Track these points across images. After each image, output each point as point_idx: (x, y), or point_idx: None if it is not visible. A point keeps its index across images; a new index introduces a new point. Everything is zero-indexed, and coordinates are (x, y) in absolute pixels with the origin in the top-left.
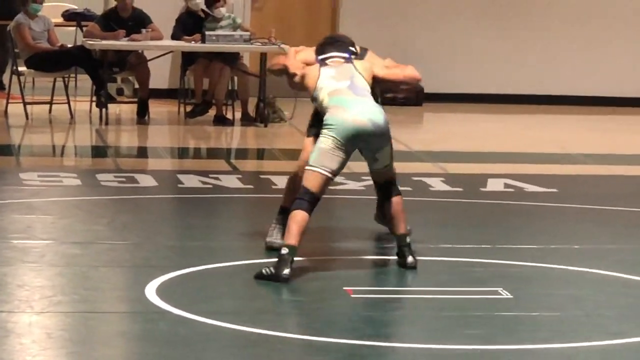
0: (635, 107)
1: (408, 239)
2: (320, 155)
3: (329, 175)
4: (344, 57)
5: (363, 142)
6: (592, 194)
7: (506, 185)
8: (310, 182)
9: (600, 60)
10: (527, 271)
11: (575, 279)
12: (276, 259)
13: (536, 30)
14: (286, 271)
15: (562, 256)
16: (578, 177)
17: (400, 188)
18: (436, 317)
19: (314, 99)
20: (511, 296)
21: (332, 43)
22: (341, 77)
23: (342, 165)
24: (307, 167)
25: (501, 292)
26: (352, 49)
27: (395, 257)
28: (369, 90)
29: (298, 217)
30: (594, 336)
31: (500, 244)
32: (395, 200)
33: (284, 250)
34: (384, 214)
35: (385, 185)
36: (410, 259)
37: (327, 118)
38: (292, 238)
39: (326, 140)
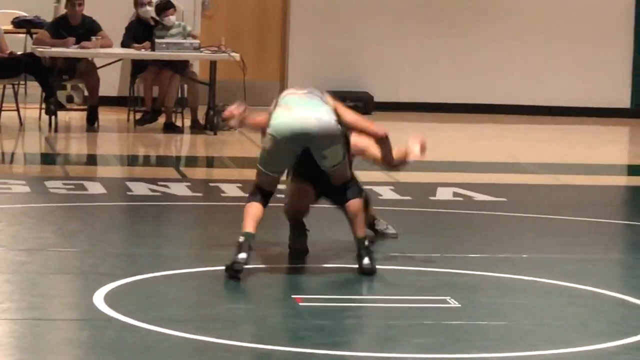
0: (584, 116)
1: (366, 242)
2: (263, 157)
3: (274, 176)
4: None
5: (307, 140)
6: (541, 203)
7: (455, 194)
8: (259, 180)
9: (549, 69)
10: (475, 280)
11: (523, 288)
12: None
13: (485, 39)
14: (241, 255)
15: (510, 265)
16: (527, 187)
17: None
18: (385, 326)
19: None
20: (459, 305)
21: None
22: (301, 90)
23: (287, 162)
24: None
25: (449, 300)
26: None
27: (350, 265)
28: (329, 108)
29: (252, 209)
30: (541, 345)
31: (448, 252)
32: (351, 203)
33: (241, 238)
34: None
35: (342, 188)
36: (365, 261)
37: (272, 117)
38: (248, 226)
39: (267, 140)
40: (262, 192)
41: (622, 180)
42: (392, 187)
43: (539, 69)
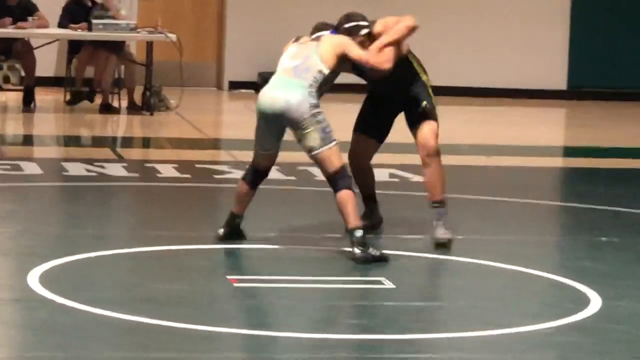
0: (521, 98)
1: (357, 234)
2: (255, 135)
3: (263, 152)
4: (320, 36)
5: (281, 120)
6: (476, 185)
7: (391, 175)
8: (253, 157)
9: (485, 51)
10: (411, 261)
11: (458, 269)
12: None
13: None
14: (220, 231)
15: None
16: (462, 168)
17: (285, 177)
18: (320, 307)
19: None
20: (394, 286)
21: (324, 25)
22: (297, 57)
23: (274, 139)
24: None
25: (384, 282)
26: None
27: (286, 246)
28: (320, 71)
29: (239, 188)
30: (476, 326)
31: (384, 234)
32: (338, 195)
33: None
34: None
35: (330, 179)
36: (356, 251)
37: None
38: (233, 206)
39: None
40: (255, 171)
41: (558, 162)
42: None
43: (474, 50)
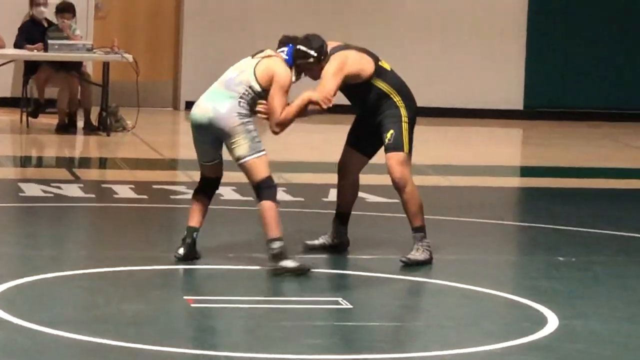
0: (478, 118)
1: (275, 245)
2: (194, 146)
3: (204, 163)
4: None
5: (211, 129)
6: (434, 205)
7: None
8: (200, 170)
9: (444, 71)
10: (367, 281)
11: (415, 289)
12: None
13: (381, 42)
14: (180, 251)
15: (403, 266)
16: (419, 188)
17: (241, 198)
18: (276, 327)
19: None
20: (351, 306)
21: (287, 39)
22: (236, 69)
23: (211, 149)
24: None
25: (341, 302)
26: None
27: (242, 267)
28: (251, 87)
29: (193, 204)
30: (432, 346)
31: (340, 253)
32: (261, 205)
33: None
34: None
35: (255, 187)
36: (270, 263)
37: None
38: (189, 220)
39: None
40: (203, 181)
41: (514, 182)
42: (284, 189)
43: (433, 70)
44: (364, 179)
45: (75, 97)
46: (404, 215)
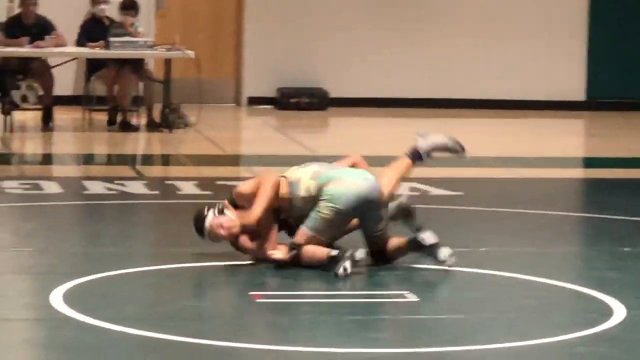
0: (540, 110)
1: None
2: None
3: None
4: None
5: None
6: (498, 197)
7: (412, 189)
8: None
9: (504, 64)
10: (433, 274)
11: (480, 281)
12: None
13: (439, 35)
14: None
15: (468, 259)
16: (484, 180)
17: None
18: (341, 321)
19: None
20: (417, 299)
21: None
22: None
23: None
24: None
25: (407, 295)
26: None
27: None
28: None
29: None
30: (499, 338)
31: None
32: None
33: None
34: None
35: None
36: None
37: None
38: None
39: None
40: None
41: (578, 173)
42: None
43: (494, 63)
44: (426, 172)
45: (131, 94)
46: (470, 208)
